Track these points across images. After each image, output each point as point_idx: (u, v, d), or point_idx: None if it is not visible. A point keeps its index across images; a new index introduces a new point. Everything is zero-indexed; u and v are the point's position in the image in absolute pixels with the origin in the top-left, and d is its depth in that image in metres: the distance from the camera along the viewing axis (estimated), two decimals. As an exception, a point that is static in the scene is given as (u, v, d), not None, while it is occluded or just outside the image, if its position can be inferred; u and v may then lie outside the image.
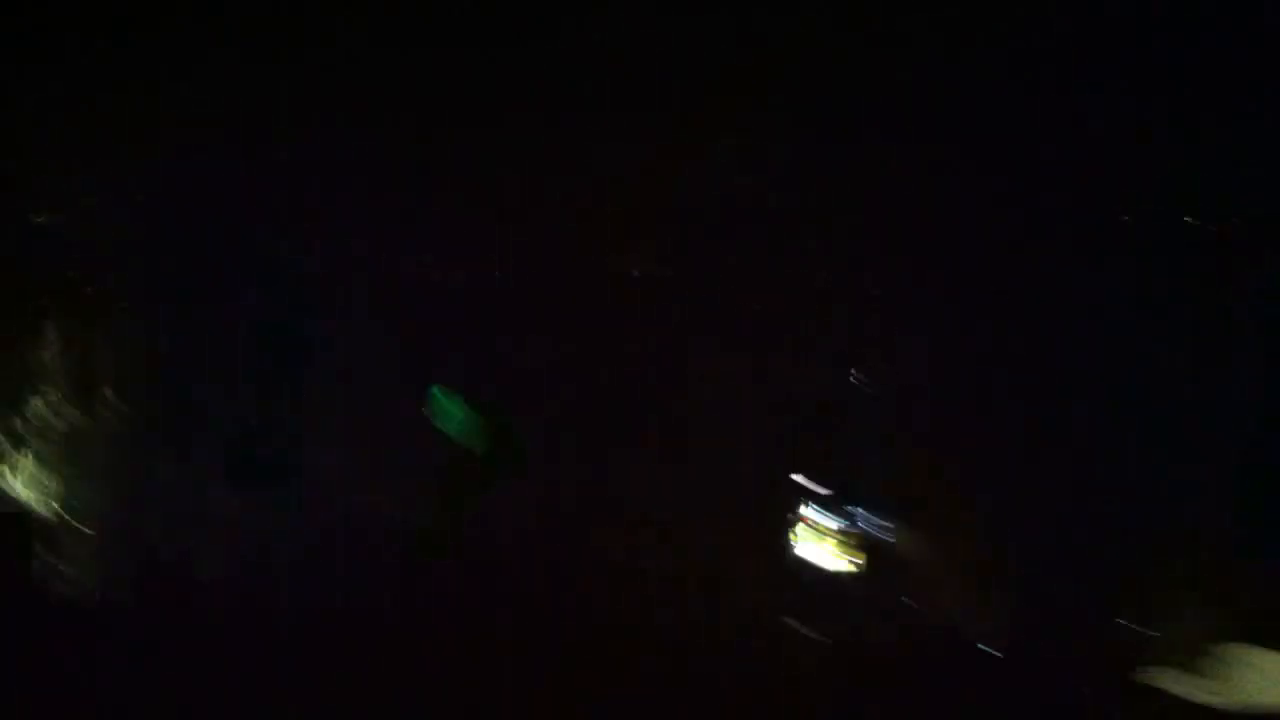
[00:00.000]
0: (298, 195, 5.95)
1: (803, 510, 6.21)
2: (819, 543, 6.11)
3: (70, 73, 4.80)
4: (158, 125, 5.14)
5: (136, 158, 5.57)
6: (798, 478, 6.38)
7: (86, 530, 6.12)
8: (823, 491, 6.26)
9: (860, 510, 6.16)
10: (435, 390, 6.63)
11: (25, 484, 6.27)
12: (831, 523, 6.21)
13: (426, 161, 5.54)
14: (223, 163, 5.56)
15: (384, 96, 4.98)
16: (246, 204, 6.06)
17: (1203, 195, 5.15)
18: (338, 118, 5.12)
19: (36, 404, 6.38)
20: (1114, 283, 5.72)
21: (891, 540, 5.77)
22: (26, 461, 6.31)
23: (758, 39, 4.60)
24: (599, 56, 4.67)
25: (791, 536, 6.10)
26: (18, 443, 6.26)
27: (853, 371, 6.89)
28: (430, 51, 4.66)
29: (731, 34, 4.60)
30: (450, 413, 6.63)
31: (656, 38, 4.53)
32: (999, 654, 3.96)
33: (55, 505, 6.17)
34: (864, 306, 6.77)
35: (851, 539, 6.12)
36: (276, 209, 6.18)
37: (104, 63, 4.70)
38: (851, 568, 6.02)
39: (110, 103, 4.99)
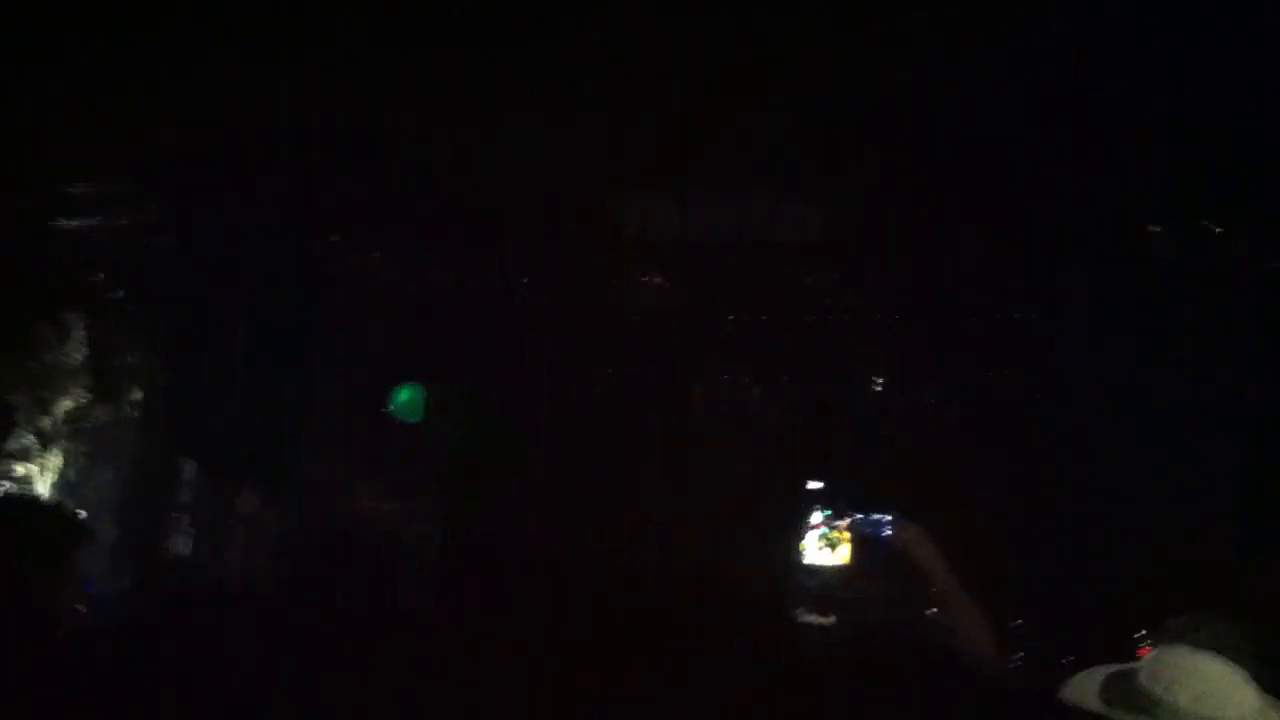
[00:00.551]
0: (315, 203, 5.94)
1: (806, 508, 6.17)
2: (821, 539, 6.06)
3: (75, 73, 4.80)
4: (168, 128, 5.15)
5: (145, 160, 5.57)
6: (804, 478, 6.37)
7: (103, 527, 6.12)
8: (822, 488, 6.22)
9: (860, 508, 6.11)
10: (401, 389, 6.61)
11: (48, 481, 6.29)
12: (832, 519, 6.15)
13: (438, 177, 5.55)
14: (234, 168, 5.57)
15: (397, 110, 4.99)
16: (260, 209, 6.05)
17: (1203, 197, 5.15)
18: (343, 125, 5.12)
19: (58, 404, 6.39)
20: (1115, 287, 5.71)
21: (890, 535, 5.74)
22: (50, 460, 6.32)
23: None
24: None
25: (796, 534, 6.05)
26: (42, 441, 6.28)
27: (874, 380, 6.88)
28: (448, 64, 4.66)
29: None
30: (411, 402, 6.63)
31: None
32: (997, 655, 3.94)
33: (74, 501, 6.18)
34: (866, 313, 6.76)
35: (851, 534, 6.06)
36: (291, 215, 6.17)
37: (106, 63, 4.70)
38: (849, 561, 5.97)
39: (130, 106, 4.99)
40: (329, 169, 5.60)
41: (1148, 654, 2.49)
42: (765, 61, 4.52)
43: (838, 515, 6.11)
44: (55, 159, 5.47)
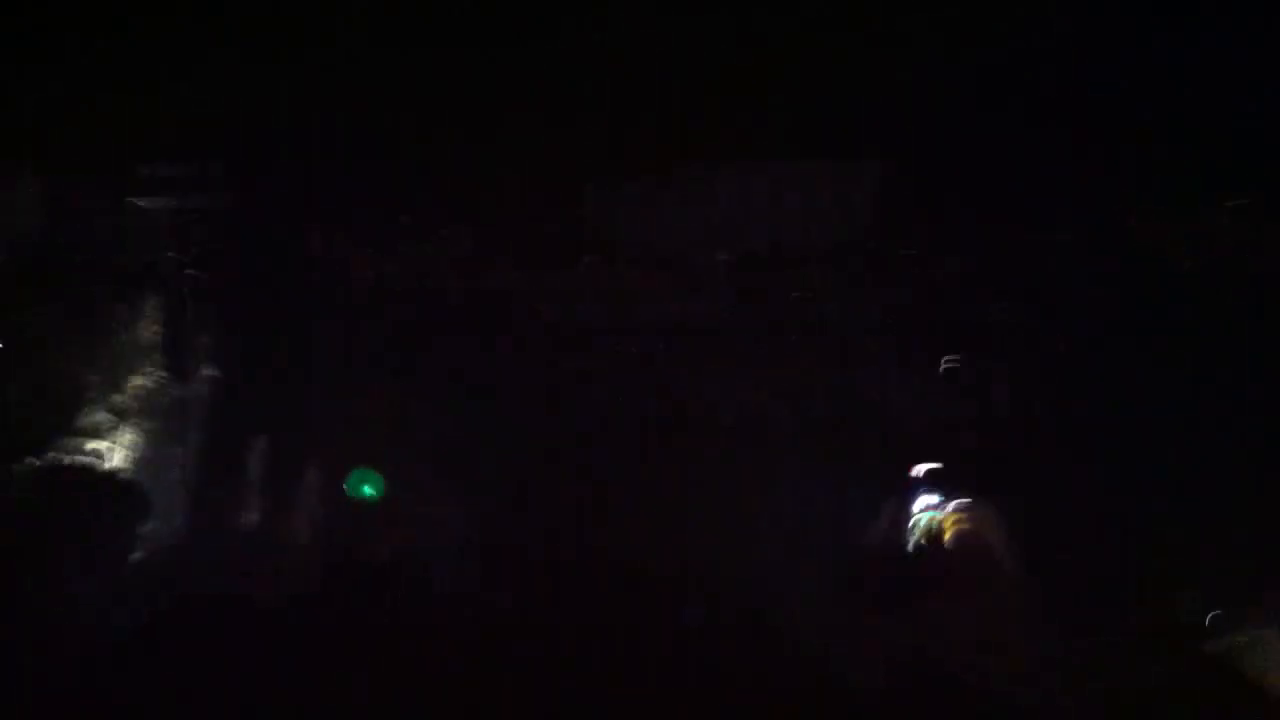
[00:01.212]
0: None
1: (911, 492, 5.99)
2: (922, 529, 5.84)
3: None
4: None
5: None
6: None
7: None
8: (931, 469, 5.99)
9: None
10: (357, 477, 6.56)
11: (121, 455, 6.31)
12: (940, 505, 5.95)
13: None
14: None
15: (397, 110, 4.98)
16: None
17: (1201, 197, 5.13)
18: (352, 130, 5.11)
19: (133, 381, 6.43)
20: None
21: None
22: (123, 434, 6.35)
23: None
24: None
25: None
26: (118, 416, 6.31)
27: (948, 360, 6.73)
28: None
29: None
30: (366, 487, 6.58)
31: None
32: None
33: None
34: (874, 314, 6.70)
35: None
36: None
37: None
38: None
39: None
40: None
41: None
42: (765, 60, 4.51)
43: (945, 499, 5.75)
44: (129, 141, 5.46)
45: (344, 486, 6.35)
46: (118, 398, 6.35)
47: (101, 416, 6.33)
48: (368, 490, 6.41)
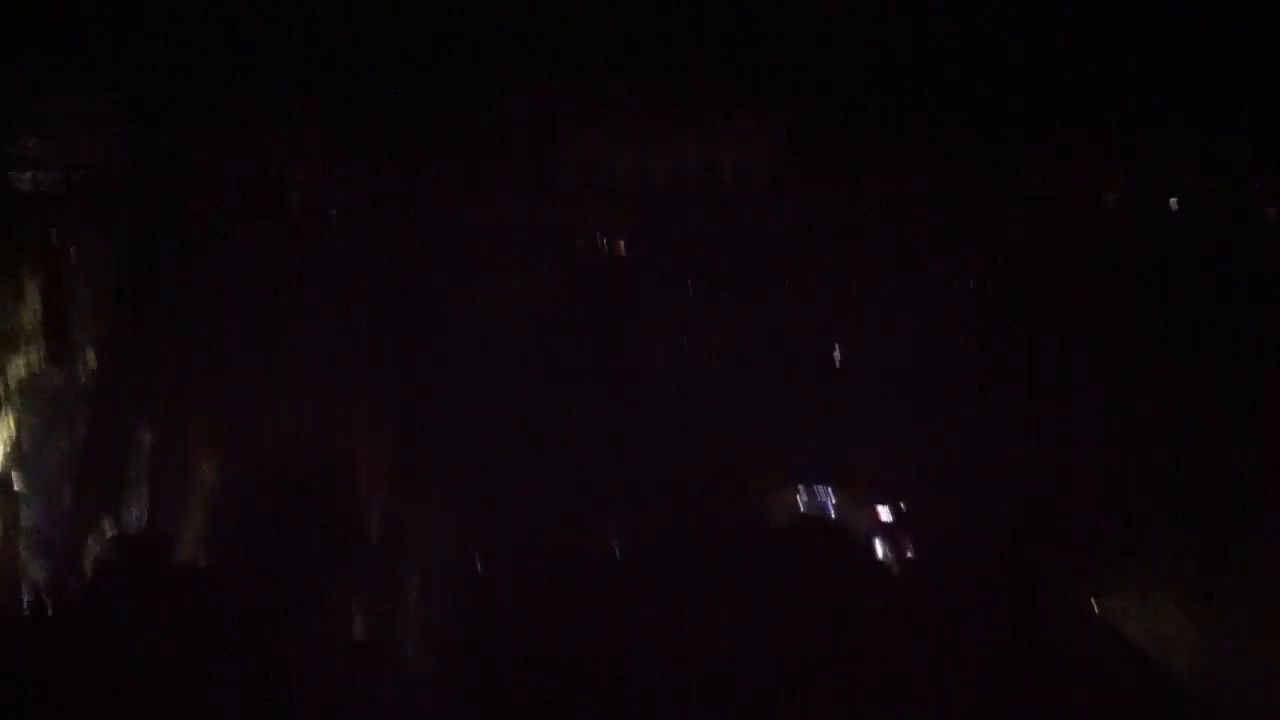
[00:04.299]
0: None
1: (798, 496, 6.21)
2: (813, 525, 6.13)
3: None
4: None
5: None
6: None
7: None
8: (816, 472, 6.23)
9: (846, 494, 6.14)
10: None
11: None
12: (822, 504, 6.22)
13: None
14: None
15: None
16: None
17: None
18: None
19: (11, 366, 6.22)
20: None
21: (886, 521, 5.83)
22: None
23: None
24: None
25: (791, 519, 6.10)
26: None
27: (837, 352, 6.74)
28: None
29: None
30: None
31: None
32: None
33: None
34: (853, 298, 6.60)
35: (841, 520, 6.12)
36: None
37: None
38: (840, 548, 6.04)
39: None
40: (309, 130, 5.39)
41: None
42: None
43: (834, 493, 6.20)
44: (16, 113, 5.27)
45: None
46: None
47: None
48: None
